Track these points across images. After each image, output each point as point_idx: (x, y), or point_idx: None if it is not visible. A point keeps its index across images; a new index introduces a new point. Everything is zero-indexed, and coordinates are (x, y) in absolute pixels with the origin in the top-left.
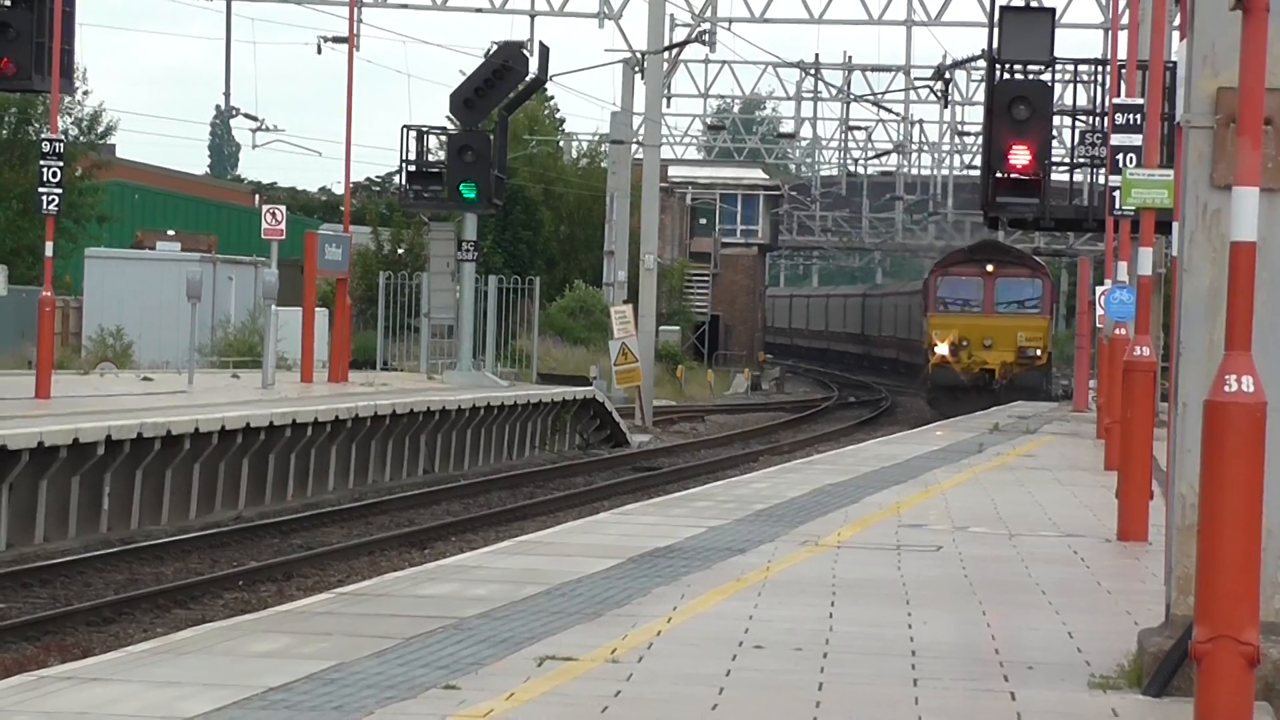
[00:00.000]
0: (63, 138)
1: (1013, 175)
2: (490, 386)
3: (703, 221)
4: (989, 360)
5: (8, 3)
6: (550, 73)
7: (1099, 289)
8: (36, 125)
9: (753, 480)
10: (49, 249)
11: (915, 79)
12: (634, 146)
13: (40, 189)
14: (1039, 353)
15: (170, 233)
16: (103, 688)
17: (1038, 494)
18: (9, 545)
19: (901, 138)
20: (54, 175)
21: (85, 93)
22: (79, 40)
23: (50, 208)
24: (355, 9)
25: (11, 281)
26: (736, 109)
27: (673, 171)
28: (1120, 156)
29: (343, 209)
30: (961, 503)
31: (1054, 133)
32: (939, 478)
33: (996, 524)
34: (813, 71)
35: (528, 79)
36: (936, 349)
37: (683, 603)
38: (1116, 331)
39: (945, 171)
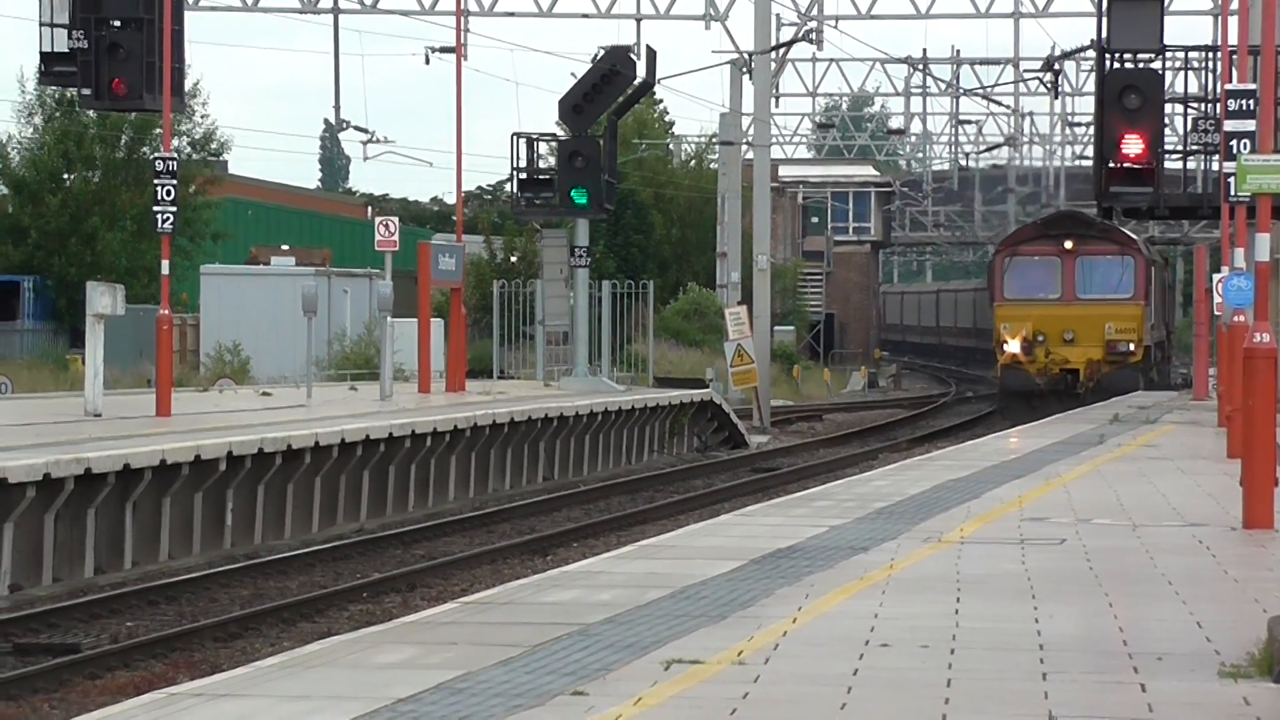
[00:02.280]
0: (175, 156)
1: (1125, 164)
2: (607, 391)
3: (815, 220)
4: (1071, 358)
5: (117, 24)
6: (658, 76)
7: (1216, 276)
8: (151, 145)
9: (873, 478)
10: (165, 267)
11: (1024, 71)
12: (744, 147)
13: (155, 207)
14: (1132, 346)
15: (284, 247)
16: (233, 703)
17: (1160, 484)
18: (134, 563)
19: (1012, 130)
20: (168, 194)
21: (201, 114)
22: (190, 58)
23: (165, 226)
24: (462, 19)
25: (129, 300)
26: (845, 106)
27: (783, 171)
28: (1234, 142)
29: (455, 219)
30: (1084, 495)
31: (1166, 121)
32: (1060, 470)
33: (1120, 515)
34: (921, 66)
35: (635, 83)
36: (1006, 346)
37: (807, 603)
38: (1235, 318)
39: (1057, 163)
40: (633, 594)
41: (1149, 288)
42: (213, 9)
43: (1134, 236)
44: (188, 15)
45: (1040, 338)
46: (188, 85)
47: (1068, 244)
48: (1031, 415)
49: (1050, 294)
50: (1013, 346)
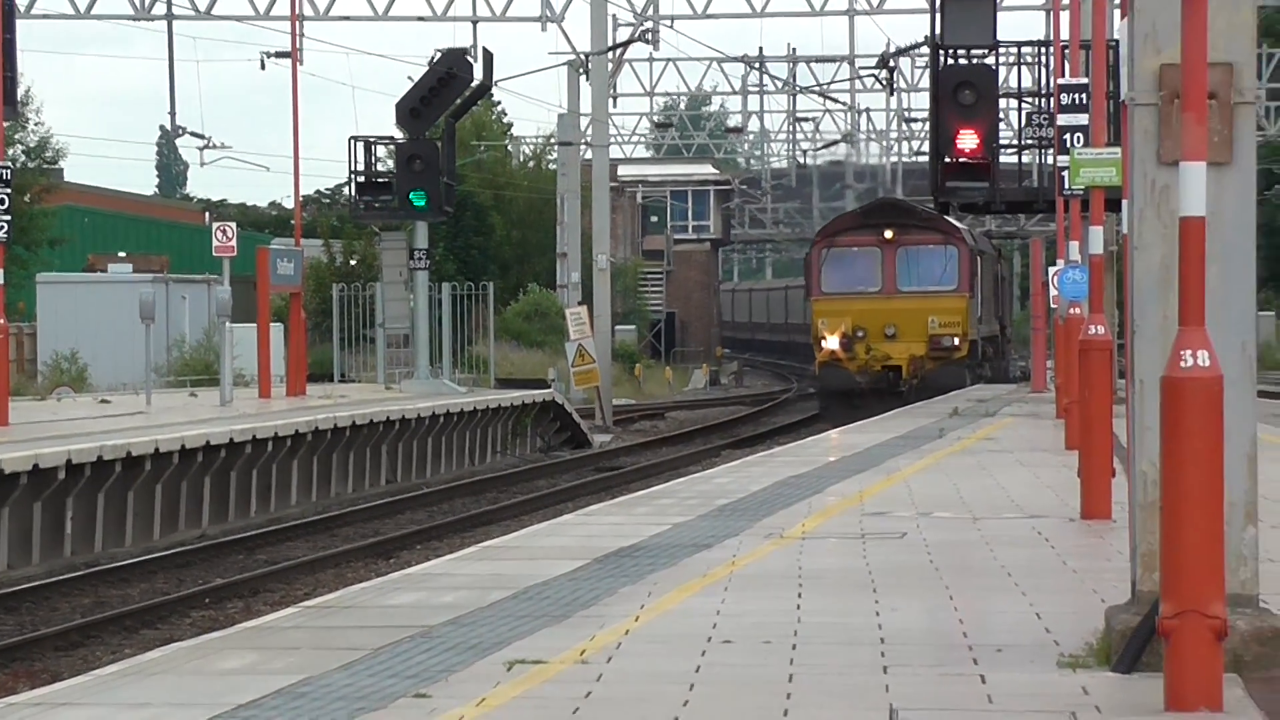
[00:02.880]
0: (10, 165)
1: (961, 160)
2: (449, 394)
3: (654, 219)
4: (893, 354)
5: None
6: (495, 78)
7: (1052, 269)
8: None
9: (715, 475)
10: (0, 276)
11: (860, 68)
12: (582, 147)
13: None
14: (957, 341)
15: (122, 254)
16: (72, 712)
17: (1000, 477)
18: None
19: (849, 127)
20: (2, 203)
21: (35, 122)
22: (22, 67)
23: (0, 235)
24: (297, 23)
25: None
26: (683, 106)
27: (622, 171)
28: (1067, 136)
29: (293, 223)
30: (924, 489)
31: (1000, 115)
32: (901, 465)
33: (960, 508)
34: (757, 65)
35: (473, 85)
36: (824, 342)
37: (650, 601)
38: (1071, 311)
39: (894, 159)
40: (475, 595)
41: (975, 279)
42: (44, 16)
43: (958, 225)
44: (19, 23)
45: (860, 333)
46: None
47: (888, 233)
48: (853, 416)
49: (870, 287)
50: (831, 343)
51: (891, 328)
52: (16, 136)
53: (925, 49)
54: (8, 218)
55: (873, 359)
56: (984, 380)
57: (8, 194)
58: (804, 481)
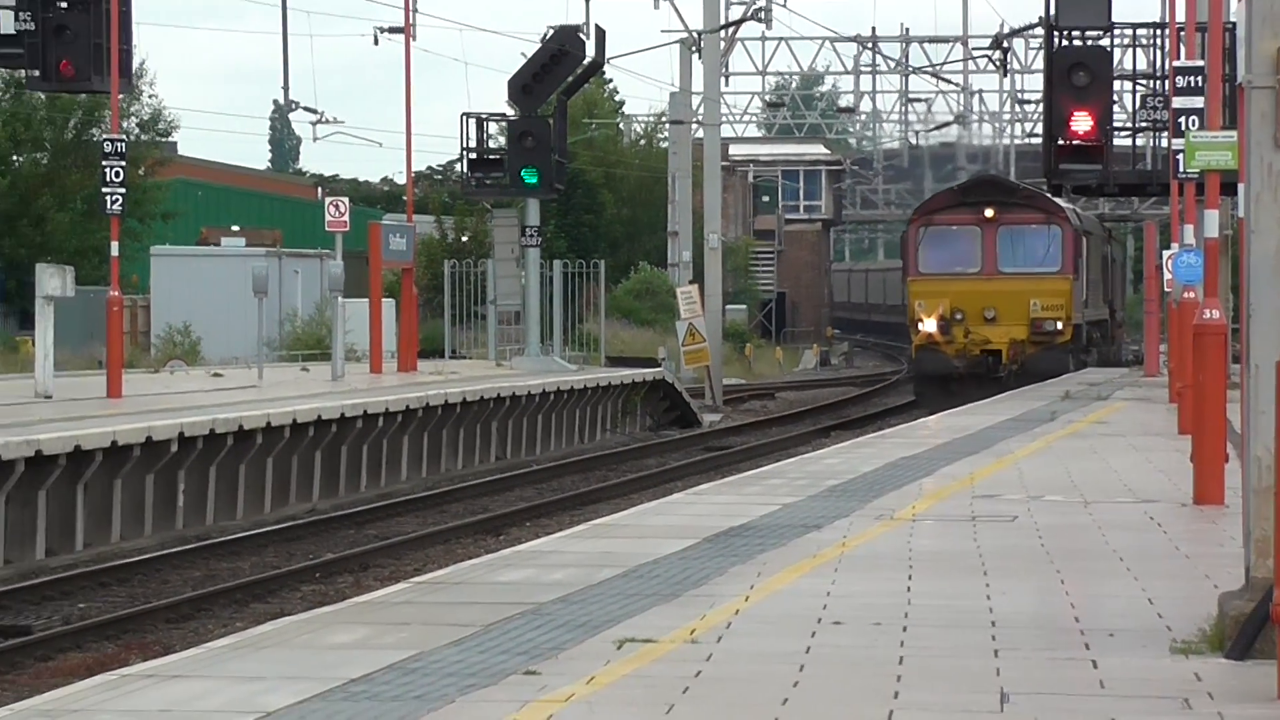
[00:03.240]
0: (124, 137)
1: (1075, 142)
2: (559, 371)
3: (765, 199)
4: (992, 338)
5: (64, 4)
6: (607, 55)
7: (1166, 253)
8: (101, 126)
9: (825, 456)
10: (114, 249)
11: (973, 49)
12: (694, 126)
13: (104, 189)
14: (1059, 325)
15: (234, 228)
16: (184, 685)
17: (1112, 460)
18: (86, 545)
19: (961, 108)
20: (117, 175)
21: (148, 94)
22: (137, 39)
23: (114, 207)
24: None
25: (78, 282)
26: (795, 85)
27: (734, 150)
28: (1182, 119)
29: (405, 199)
30: (1035, 472)
31: (1115, 98)
32: (1012, 447)
33: (1071, 492)
34: (870, 45)
35: (585, 63)
36: (921, 325)
37: (760, 581)
38: (1185, 295)
39: (1006, 140)
40: (585, 573)
41: (1080, 260)
42: None
43: (1061, 204)
44: None
45: (958, 315)
46: (135, 66)
47: (988, 212)
48: (950, 402)
49: (969, 267)
50: (928, 325)
51: (991, 310)
52: (131, 109)
53: (1039, 30)
54: (122, 190)
55: (971, 342)
56: (1087, 366)
57: (122, 166)
58: (914, 463)
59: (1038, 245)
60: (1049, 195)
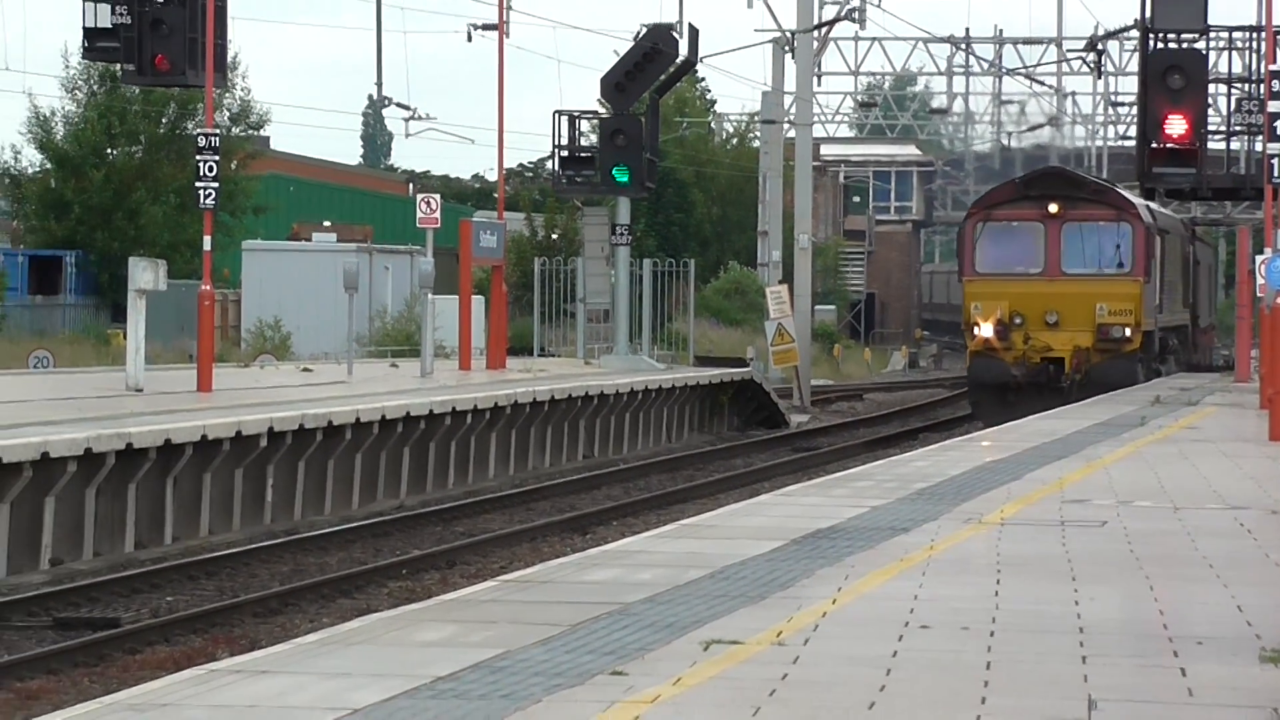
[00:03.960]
0: (218, 131)
1: (1169, 145)
2: (647, 370)
3: (856, 199)
4: (1054, 344)
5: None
6: (700, 54)
7: (1259, 258)
8: (195, 120)
9: (913, 458)
10: (207, 243)
11: (1067, 50)
12: (786, 126)
13: (197, 183)
14: (1128, 332)
15: (326, 224)
16: (272, 680)
17: (1202, 467)
18: (175, 538)
19: (1055, 110)
20: (210, 169)
21: (241, 88)
22: (231, 34)
23: (207, 201)
24: None
25: (170, 276)
26: (888, 85)
27: (825, 150)
28: (1278, 123)
29: (496, 196)
30: (1125, 477)
31: (1209, 101)
32: (1101, 452)
33: (1161, 498)
34: (964, 46)
35: (678, 61)
36: (977, 329)
37: (847, 584)
38: (1277, 300)
39: (1100, 143)
40: (672, 574)
41: (1153, 261)
42: None
43: (1133, 199)
44: None
45: (1018, 320)
46: (229, 60)
47: (1052, 207)
48: (1007, 414)
49: (1031, 267)
50: (985, 330)
51: (1054, 314)
52: (224, 102)
53: (1134, 32)
54: (215, 184)
55: (1031, 349)
56: (1162, 376)
57: (216, 161)
58: (1003, 467)
59: (1106, 244)
60: (1120, 190)
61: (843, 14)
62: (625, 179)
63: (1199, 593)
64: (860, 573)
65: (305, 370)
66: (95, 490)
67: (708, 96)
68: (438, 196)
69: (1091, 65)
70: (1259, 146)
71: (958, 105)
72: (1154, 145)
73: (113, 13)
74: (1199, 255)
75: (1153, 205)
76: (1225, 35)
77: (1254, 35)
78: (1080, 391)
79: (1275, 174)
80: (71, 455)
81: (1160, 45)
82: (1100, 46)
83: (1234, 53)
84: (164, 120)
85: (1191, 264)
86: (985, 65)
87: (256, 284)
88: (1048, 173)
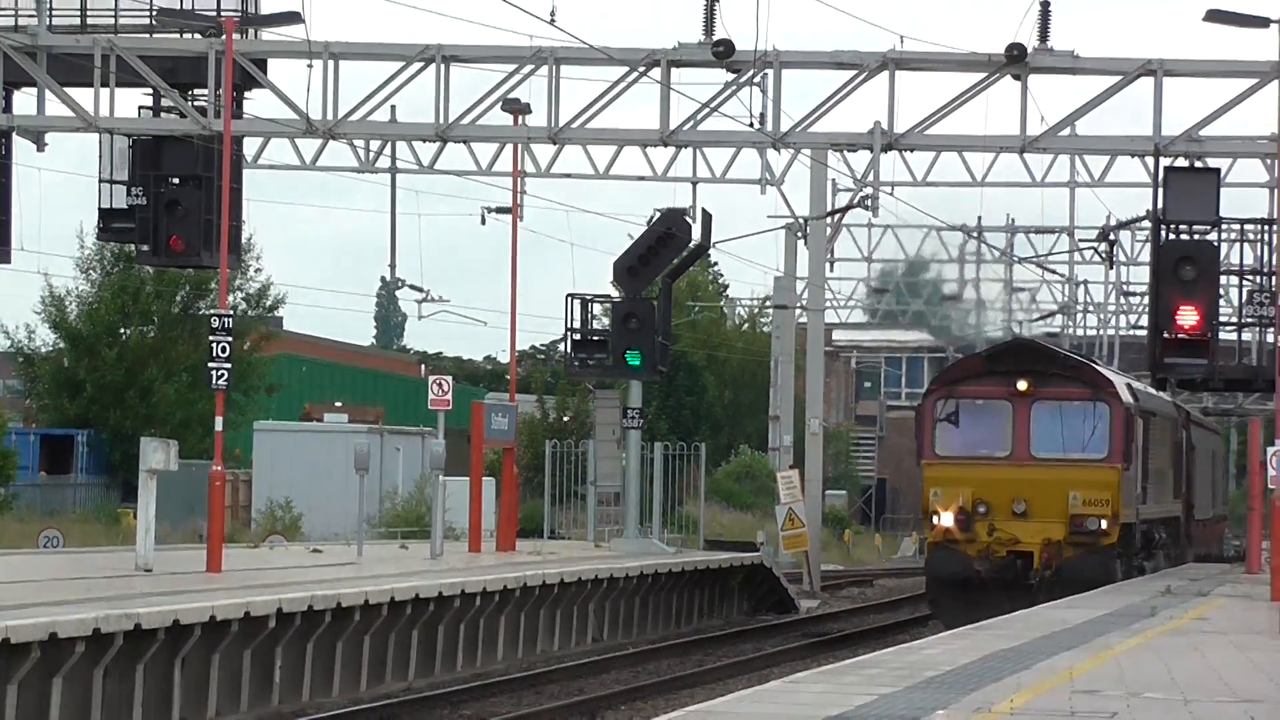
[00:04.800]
0: (231, 313)
1: (1180, 336)
2: (657, 553)
3: (868, 384)
4: (1022, 536)
5: (176, 181)
6: (713, 239)
7: (1270, 449)
8: (209, 300)
9: (924, 646)
10: (219, 424)
11: (1079, 240)
12: (798, 311)
13: (210, 364)
14: (1104, 524)
15: (338, 404)
16: None
17: (1212, 658)
18: (182, 719)
19: (1066, 298)
20: (223, 350)
21: (255, 269)
22: (246, 215)
23: (220, 383)
24: (519, 180)
25: (181, 455)
26: (900, 272)
27: (837, 335)
28: None
29: (508, 377)
30: (1135, 668)
31: (1221, 292)
32: (1111, 642)
33: (1172, 689)
34: (976, 234)
35: (691, 246)
36: (937, 519)
37: None
38: None
39: (1111, 331)
40: None
41: (1132, 446)
42: (270, 167)
43: (1112, 377)
44: (246, 173)
45: (982, 509)
46: (244, 241)
47: (1021, 384)
48: (970, 614)
49: (996, 450)
50: (945, 519)
51: (1022, 503)
52: (237, 284)
53: (1146, 223)
54: (228, 365)
55: (996, 542)
56: (1146, 574)
57: (229, 342)
58: (1013, 655)
59: (1080, 426)
60: (1096, 366)
61: (855, 201)
62: (637, 362)
63: None
64: None
65: (315, 551)
66: (103, 671)
67: (720, 280)
68: (449, 378)
69: (1103, 255)
70: (1270, 338)
71: (969, 292)
72: (1166, 335)
73: (128, 194)
74: (1195, 441)
75: (1136, 384)
76: (1237, 227)
77: (1265, 228)
78: (1050, 591)
79: None
80: (80, 636)
81: (1172, 236)
82: (1112, 237)
83: (1245, 244)
84: (177, 299)
85: (1185, 450)
86: (997, 253)
87: (268, 464)
88: (1016, 346)
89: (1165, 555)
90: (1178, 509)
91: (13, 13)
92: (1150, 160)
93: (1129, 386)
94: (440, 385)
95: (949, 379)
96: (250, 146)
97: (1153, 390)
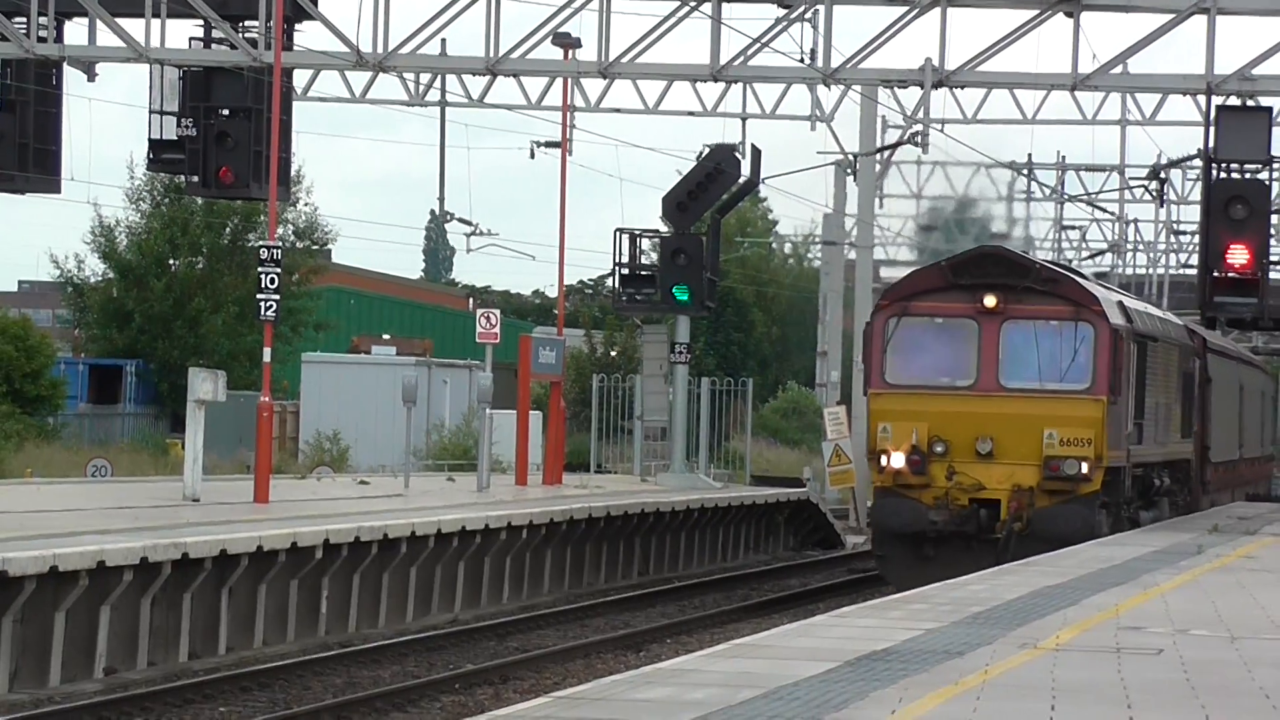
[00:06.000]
0: (280, 244)
1: (1230, 275)
2: (704, 488)
3: None
4: (988, 481)
5: (226, 113)
6: (762, 175)
7: None
8: (258, 232)
9: (969, 582)
10: (267, 355)
11: (1130, 178)
12: (846, 247)
13: (258, 295)
14: (1085, 468)
15: (385, 337)
16: None
17: (1260, 596)
18: (229, 649)
19: (1116, 237)
20: (272, 282)
21: (304, 202)
22: (295, 147)
23: (268, 314)
24: (568, 114)
25: (229, 386)
26: (949, 209)
27: (885, 272)
28: None
29: (556, 312)
30: (1181, 605)
31: (1272, 231)
32: (1158, 580)
33: (1218, 627)
34: (1026, 171)
35: (740, 181)
36: (886, 460)
37: (901, 706)
38: None
39: (1161, 270)
40: (726, 693)
41: (1120, 375)
42: (320, 99)
43: (1096, 292)
44: (296, 106)
45: (939, 448)
46: (293, 174)
47: (988, 300)
48: (923, 575)
49: (958, 379)
50: (896, 460)
51: (987, 442)
52: (287, 216)
53: (1197, 162)
54: (276, 297)
55: (956, 488)
56: (1140, 526)
57: (277, 273)
58: (1059, 592)
59: (1058, 350)
60: (1080, 280)
61: (905, 138)
62: (685, 298)
63: None
64: (915, 696)
65: (362, 483)
66: (150, 600)
67: (769, 217)
68: (497, 312)
69: (1154, 194)
70: None
71: (1018, 230)
72: (1216, 274)
73: (178, 125)
74: (1213, 372)
75: (1132, 303)
76: None
77: None
78: (1020, 547)
79: None
80: (127, 564)
81: (1223, 175)
82: (1163, 175)
83: None
84: (226, 231)
85: (1200, 383)
86: (1047, 191)
87: (315, 396)
88: (983, 254)
89: (1171, 504)
90: (1187, 450)
91: None
92: (1202, 99)
93: (1120, 305)
94: (488, 319)
95: (903, 292)
96: (300, 79)
97: (1157, 312)
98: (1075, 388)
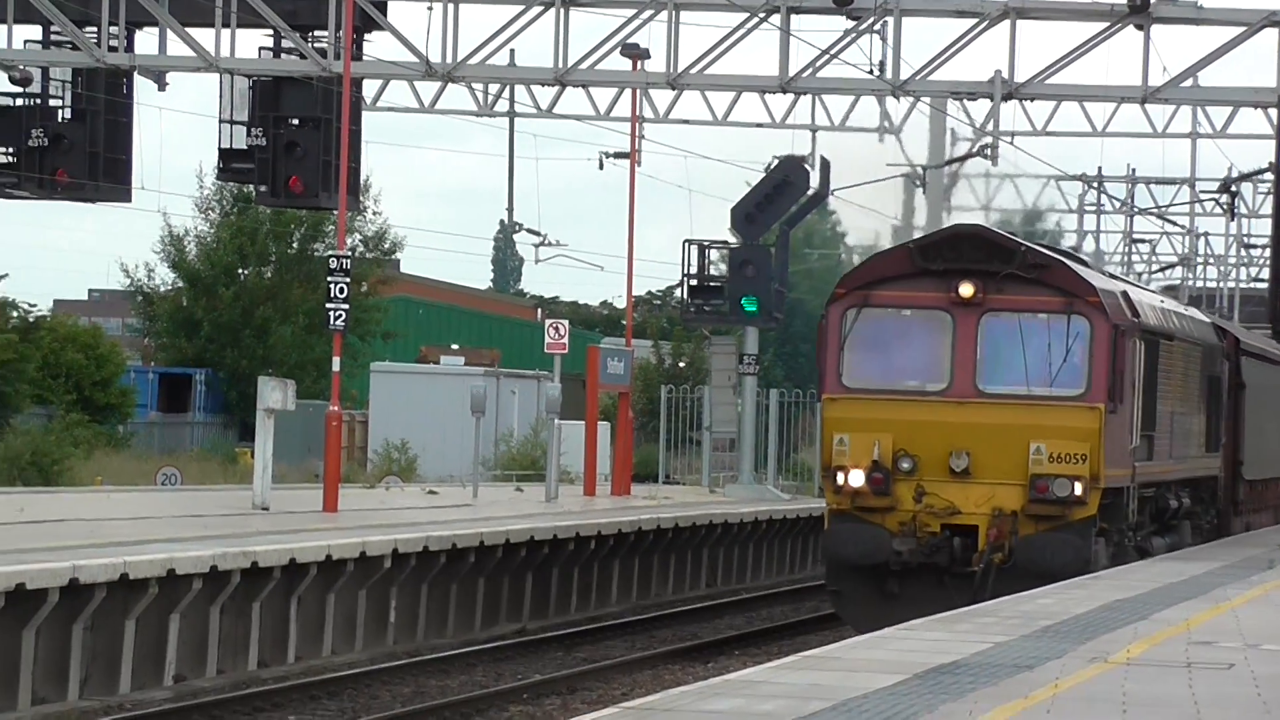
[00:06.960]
0: (350, 254)
1: None
2: (772, 500)
3: None
4: (963, 504)
5: (295, 122)
6: (831, 187)
7: None
8: (325, 242)
9: (1038, 595)
10: (336, 364)
11: (1200, 191)
12: None
13: (327, 305)
14: (1078, 488)
15: (454, 347)
16: None
17: None
18: (298, 658)
19: (1186, 250)
20: (341, 291)
21: (373, 211)
22: (365, 157)
23: (337, 323)
24: (637, 125)
25: (298, 396)
26: (1018, 222)
27: None
28: None
29: (624, 323)
30: (1253, 620)
31: None
32: (1229, 594)
33: None
34: (1095, 184)
35: (809, 193)
36: (843, 478)
37: (970, 719)
38: None
39: (1232, 284)
40: (794, 705)
41: (1122, 378)
42: (389, 109)
43: (1094, 281)
44: (365, 115)
45: (906, 464)
46: (361, 183)
47: (965, 288)
48: (888, 615)
49: (928, 382)
50: (854, 479)
51: (963, 457)
52: (356, 225)
53: (1269, 175)
54: (346, 306)
55: (926, 511)
56: (1147, 557)
57: (346, 283)
58: (1128, 606)
59: (1047, 348)
60: (1073, 266)
61: (974, 150)
62: (754, 309)
63: None
64: (984, 709)
65: (431, 492)
66: (220, 608)
67: (838, 229)
68: (566, 323)
69: (1224, 207)
70: None
71: (1088, 243)
72: None
73: (248, 135)
74: (1247, 376)
75: (1139, 292)
76: None
77: None
78: (1002, 582)
79: None
80: (197, 573)
81: None
82: (1234, 188)
83: None
84: (294, 241)
85: (1231, 388)
86: (1117, 204)
87: (384, 405)
88: (958, 235)
89: (1195, 528)
90: (1213, 466)
91: None
92: (1273, 112)
93: (1125, 296)
94: (557, 329)
95: (864, 279)
96: (369, 89)
97: (1176, 306)
98: (1067, 393)
